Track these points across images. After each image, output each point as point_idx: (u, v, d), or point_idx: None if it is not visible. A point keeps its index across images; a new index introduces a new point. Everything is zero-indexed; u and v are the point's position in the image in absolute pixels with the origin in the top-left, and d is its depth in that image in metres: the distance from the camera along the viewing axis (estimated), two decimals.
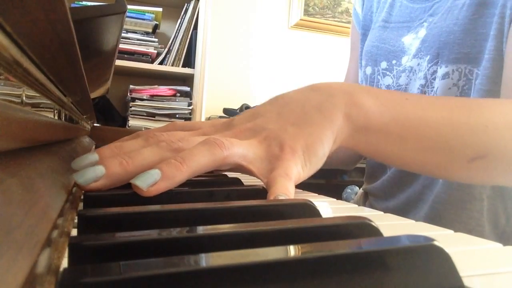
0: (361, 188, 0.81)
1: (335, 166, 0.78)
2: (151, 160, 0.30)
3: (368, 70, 0.70)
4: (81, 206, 0.25)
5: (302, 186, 0.38)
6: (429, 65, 0.58)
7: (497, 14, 0.51)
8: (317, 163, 0.35)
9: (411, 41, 0.62)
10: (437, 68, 0.57)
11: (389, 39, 0.66)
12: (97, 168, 0.27)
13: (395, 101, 0.37)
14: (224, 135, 0.35)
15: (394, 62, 0.65)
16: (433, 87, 0.58)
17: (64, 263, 0.15)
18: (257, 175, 0.33)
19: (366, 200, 0.75)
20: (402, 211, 0.63)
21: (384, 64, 0.66)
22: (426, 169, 0.41)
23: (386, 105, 0.36)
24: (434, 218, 0.57)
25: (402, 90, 0.63)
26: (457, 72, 0.55)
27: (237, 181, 0.34)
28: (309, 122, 0.35)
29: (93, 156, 0.30)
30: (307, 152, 0.34)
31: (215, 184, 0.32)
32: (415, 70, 0.61)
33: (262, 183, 0.33)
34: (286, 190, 0.29)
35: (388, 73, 0.66)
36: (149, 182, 0.26)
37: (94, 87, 0.75)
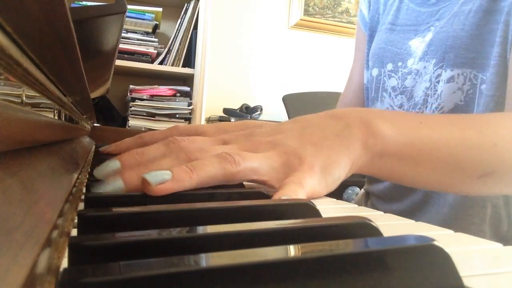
0: (362, 189, 0.81)
1: None
2: (168, 165, 0.31)
3: (375, 71, 0.70)
4: (81, 206, 0.25)
5: None
6: (435, 68, 0.59)
7: (502, 21, 0.52)
8: (332, 184, 0.36)
9: (418, 44, 0.63)
10: (442, 72, 0.58)
11: (396, 42, 0.67)
12: (116, 183, 0.29)
13: (410, 125, 0.39)
14: (244, 146, 0.36)
15: (399, 64, 0.65)
16: (436, 90, 0.58)
17: (64, 263, 0.15)
18: (270, 183, 0.34)
19: (367, 200, 0.75)
20: (406, 215, 0.63)
21: (390, 66, 0.67)
22: (438, 187, 0.43)
23: (401, 130, 0.38)
24: (438, 224, 0.57)
25: (407, 91, 0.64)
26: (462, 77, 0.55)
27: (239, 184, 0.35)
28: (328, 146, 0.36)
29: (115, 164, 0.31)
30: (324, 171, 0.34)
31: (217, 186, 0.32)
32: (421, 73, 0.61)
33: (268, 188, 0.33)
34: (293, 193, 0.30)
35: (393, 74, 0.66)
36: (158, 180, 0.27)
37: (94, 87, 0.75)
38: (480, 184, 0.40)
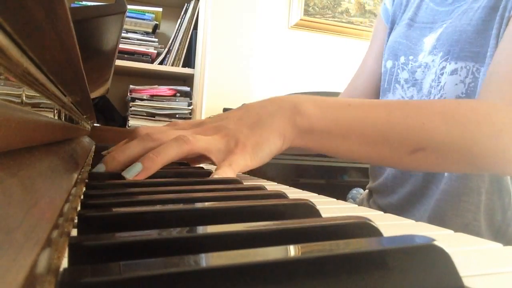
0: (366, 188, 0.82)
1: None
2: (137, 151, 0.40)
3: (389, 63, 0.72)
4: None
5: (303, 186, 0.43)
6: (441, 61, 0.61)
7: (498, 15, 0.54)
8: (264, 157, 0.43)
9: (430, 40, 0.65)
10: (446, 64, 0.59)
11: (412, 37, 0.69)
12: (99, 166, 0.39)
13: (336, 107, 0.46)
14: (195, 131, 0.45)
15: (411, 58, 0.68)
16: (440, 82, 0.60)
17: (64, 263, 0.15)
18: (215, 162, 0.42)
19: (370, 198, 0.77)
20: (405, 206, 0.65)
21: (402, 59, 0.69)
22: (372, 160, 0.52)
23: (326, 111, 0.45)
24: (436, 212, 0.58)
25: (418, 84, 0.66)
26: (465, 69, 0.57)
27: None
28: (261, 126, 0.44)
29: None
30: (255, 148, 0.42)
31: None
32: (430, 66, 0.64)
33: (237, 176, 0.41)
34: (223, 173, 0.39)
35: (405, 67, 0.69)
36: (133, 174, 0.36)
37: (94, 87, 0.75)
38: (413, 159, 0.45)
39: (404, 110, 0.45)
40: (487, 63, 0.55)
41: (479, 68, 0.56)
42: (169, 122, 0.55)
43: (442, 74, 0.60)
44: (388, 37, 0.76)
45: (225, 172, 0.40)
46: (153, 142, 0.41)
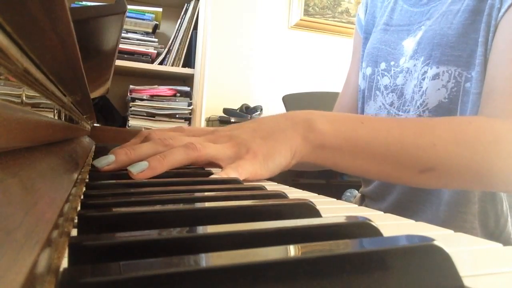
0: (359, 191, 0.82)
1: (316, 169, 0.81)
2: (147, 153, 0.40)
3: (368, 70, 0.71)
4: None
5: (303, 186, 0.42)
6: (422, 66, 0.60)
7: (483, 22, 0.53)
8: (274, 169, 0.44)
9: (410, 43, 0.64)
10: (428, 69, 0.59)
11: (390, 42, 0.68)
12: (109, 156, 0.40)
13: (349, 125, 0.46)
14: (206, 138, 0.45)
15: (392, 63, 0.67)
16: (422, 87, 0.60)
17: (64, 263, 0.15)
18: (224, 166, 0.42)
19: (362, 202, 0.76)
20: (394, 213, 0.64)
21: (383, 65, 0.68)
22: (381, 178, 0.51)
23: (339, 128, 0.45)
24: (434, 223, 0.57)
25: (398, 89, 0.65)
26: (447, 74, 0.57)
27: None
28: (274, 139, 0.44)
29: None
30: (266, 158, 0.43)
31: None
32: (411, 71, 0.63)
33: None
34: (225, 174, 0.39)
35: (386, 73, 0.67)
36: (138, 170, 0.37)
37: (94, 87, 0.75)
38: (423, 178, 0.45)
39: (416, 129, 0.45)
40: (476, 71, 0.54)
41: (462, 72, 0.55)
42: (181, 126, 0.58)
43: (423, 79, 0.60)
44: (364, 47, 0.75)
45: (230, 174, 0.40)
46: (165, 147, 0.41)
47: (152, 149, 0.41)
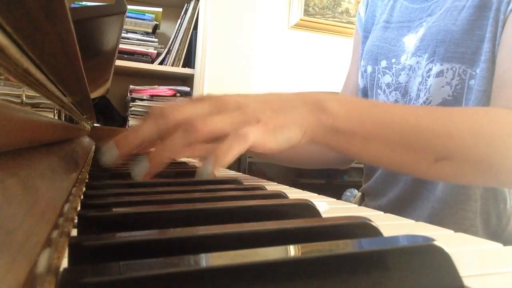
0: (359, 190, 0.82)
1: (331, 166, 0.79)
2: (150, 131, 0.38)
3: (369, 69, 0.71)
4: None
5: (303, 186, 0.42)
6: (426, 63, 0.59)
7: (491, 17, 0.53)
8: (283, 143, 0.41)
9: (411, 40, 0.64)
10: (432, 66, 0.58)
11: (390, 39, 0.67)
12: (111, 146, 0.37)
13: (362, 108, 0.44)
14: (211, 105, 0.42)
15: (393, 60, 0.66)
16: (426, 84, 0.59)
17: (64, 263, 0.15)
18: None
19: (362, 202, 0.76)
20: (395, 210, 0.63)
21: (384, 63, 0.68)
22: (393, 165, 0.47)
23: (352, 111, 0.43)
24: (433, 220, 0.57)
25: (401, 88, 0.64)
26: (451, 71, 0.56)
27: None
28: (285, 112, 0.42)
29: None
30: (276, 130, 0.40)
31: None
32: (415, 68, 0.62)
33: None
34: (233, 144, 0.37)
35: (387, 71, 0.67)
36: (141, 173, 0.36)
37: (94, 87, 0.75)
38: (437, 168, 0.43)
39: (431, 116, 0.43)
40: (481, 68, 0.53)
41: (466, 69, 0.55)
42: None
43: (428, 76, 0.59)
44: (363, 45, 0.75)
45: (235, 140, 0.37)
46: (167, 122, 0.38)
47: (155, 127, 0.38)
